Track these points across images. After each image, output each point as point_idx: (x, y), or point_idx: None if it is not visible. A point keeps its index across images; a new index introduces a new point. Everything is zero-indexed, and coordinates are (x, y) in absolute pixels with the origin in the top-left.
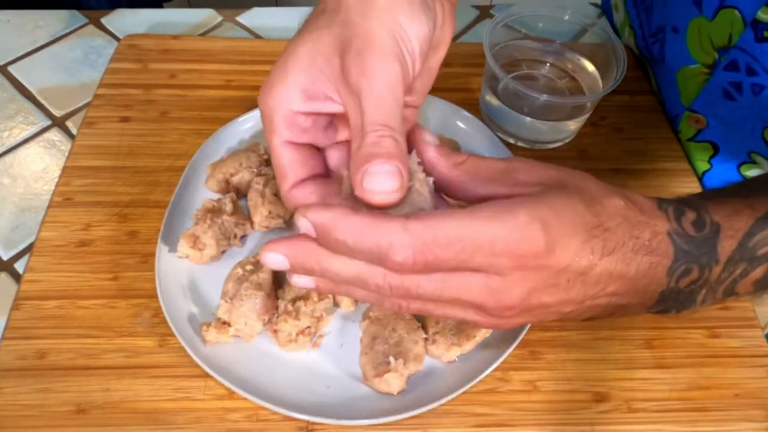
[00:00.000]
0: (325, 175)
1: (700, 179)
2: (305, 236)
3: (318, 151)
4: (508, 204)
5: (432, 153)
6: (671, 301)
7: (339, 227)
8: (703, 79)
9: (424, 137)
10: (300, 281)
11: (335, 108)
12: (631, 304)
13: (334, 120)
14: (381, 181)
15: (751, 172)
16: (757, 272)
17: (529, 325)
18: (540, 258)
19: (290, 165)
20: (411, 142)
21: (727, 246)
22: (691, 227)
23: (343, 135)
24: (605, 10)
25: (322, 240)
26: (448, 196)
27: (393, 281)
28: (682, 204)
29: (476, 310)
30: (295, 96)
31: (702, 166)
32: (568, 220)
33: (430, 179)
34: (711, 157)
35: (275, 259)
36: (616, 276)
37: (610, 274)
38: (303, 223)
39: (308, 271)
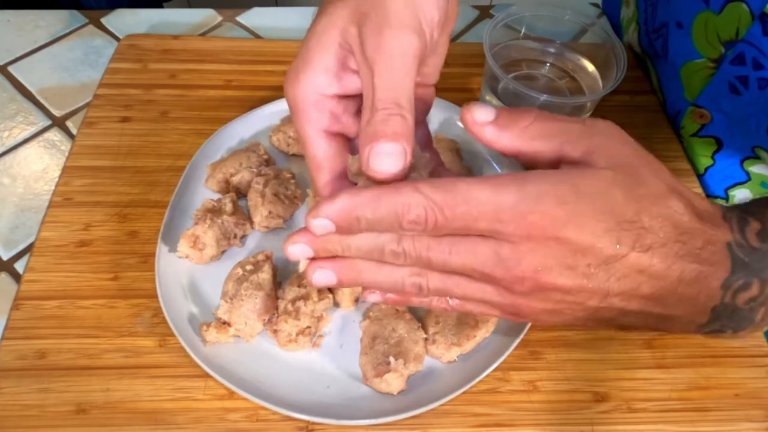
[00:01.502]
0: None
1: (703, 175)
2: None
3: (349, 142)
4: (523, 176)
5: (491, 133)
6: (726, 319)
7: (355, 205)
8: (709, 74)
9: (475, 117)
10: (321, 277)
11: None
12: (676, 316)
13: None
14: (385, 162)
15: (755, 168)
16: None
17: (528, 326)
18: (548, 230)
19: (326, 157)
20: (465, 124)
21: None
22: (755, 238)
23: None
24: (609, 7)
25: (344, 225)
26: (521, 162)
27: (407, 244)
28: (745, 213)
29: (490, 285)
30: (323, 79)
31: (705, 161)
32: (592, 203)
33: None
34: (714, 153)
35: (298, 249)
36: (651, 275)
37: (642, 271)
38: (319, 223)
39: (331, 252)
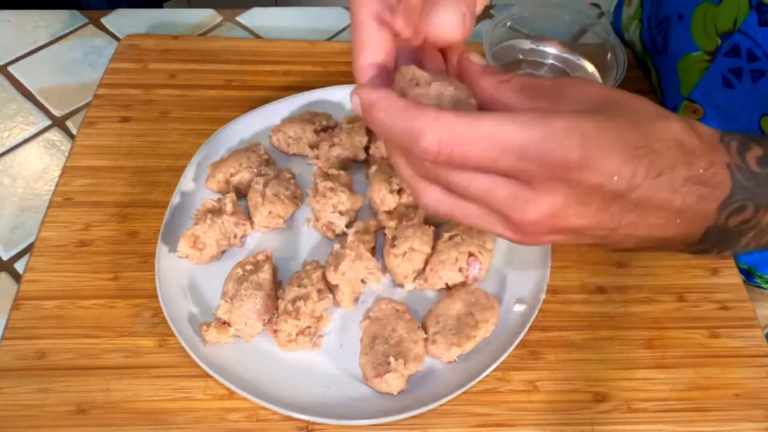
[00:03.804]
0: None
1: None
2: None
3: (395, 39)
4: (547, 112)
5: (477, 68)
6: (715, 240)
7: (380, 106)
8: (704, 67)
9: (471, 57)
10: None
11: None
12: (672, 237)
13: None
14: (445, 14)
15: None
16: None
17: (528, 326)
18: (572, 170)
19: (372, 39)
20: (458, 64)
21: None
22: (754, 163)
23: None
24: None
25: (366, 116)
26: None
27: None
28: (748, 139)
29: (501, 220)
30: None
31: None
32: (610, 136)
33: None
34: None
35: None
36: (659, 203)
37: (652, 200)
38: (354, 99)
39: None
